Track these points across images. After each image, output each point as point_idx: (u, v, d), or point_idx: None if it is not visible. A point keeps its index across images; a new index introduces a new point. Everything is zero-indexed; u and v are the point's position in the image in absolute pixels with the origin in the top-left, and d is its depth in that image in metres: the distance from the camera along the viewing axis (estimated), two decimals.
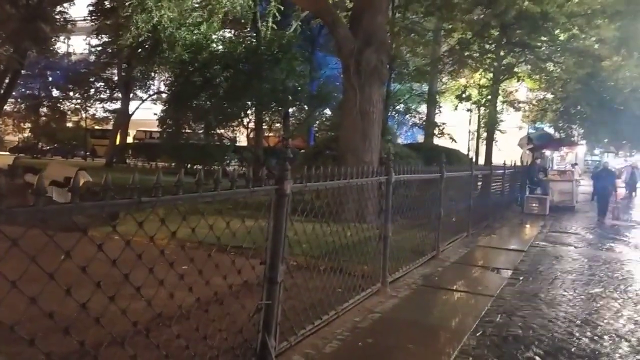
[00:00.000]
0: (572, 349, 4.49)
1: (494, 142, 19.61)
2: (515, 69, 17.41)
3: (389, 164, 6.07)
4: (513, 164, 16.14)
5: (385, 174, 5.96)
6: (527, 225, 13.07)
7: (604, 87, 18.51)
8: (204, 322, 3.27)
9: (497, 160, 17.89)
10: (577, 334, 4.88)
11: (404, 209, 6.74)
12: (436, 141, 19.02)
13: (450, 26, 14.84)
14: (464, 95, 18.15)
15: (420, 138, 23.56)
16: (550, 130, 24.93)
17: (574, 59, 14.86)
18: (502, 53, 16.43)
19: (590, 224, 14.14)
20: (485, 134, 21.71)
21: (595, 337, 4.82)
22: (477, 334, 4.80)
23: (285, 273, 3.90)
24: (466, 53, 15.30)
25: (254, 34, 19.59)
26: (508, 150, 24.12)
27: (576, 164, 26.52)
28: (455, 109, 19.64)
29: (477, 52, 15.83)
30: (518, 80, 18.99)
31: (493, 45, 15.94)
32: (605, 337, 4.86)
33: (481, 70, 17.58)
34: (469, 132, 31.16)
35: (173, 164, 19.74)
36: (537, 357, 4.29)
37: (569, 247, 10.02)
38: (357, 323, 4.96)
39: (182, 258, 3.00)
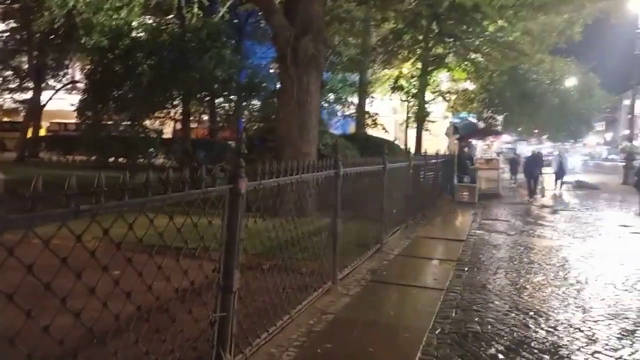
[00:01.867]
0: (532, 343, 4.44)
1: (426, 131, 19.89)
2: (446, 60, 17.70)
3: (337, 156, 5.80)
4: (445, 153, 16.44)
5: (334, 167, 5.69)
6: (461, 214, 13.30)
7: (526, 79, 19.28)
8: (149, 335, 2.85)
9: (423, 149, 18.26)
10: (533, 327, 4.85)
11: (349, 203, 6.51)
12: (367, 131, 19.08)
13: (381, 16, 14.77)
14: (396, 85, 18.27)
15: (351, 129, 23.61)
16: (474, 120, 25.82)
17: (500, 51, 15.30)
18: (430, 44, 16.61)
19: (517, 210, 14.63)
20: (410, 124, 22.09)
21: (550, 329, 4.81)
22: (436, 332, 4.65)
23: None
24: (398, 42, 15.31)
25: (179, 21, 18.67)
26: (433, 139, 24.71)
27: (500, 152, 27.58)
28: (390, 98, 19.74)
29: (409, 42, 15.91)
30: (448, 71, 19.36)
31: (425, 36, 16.07)
32: (560, 328, 4.86)
33: (412, 60, 17.73)
34: (395, 122, 31.69)
35: (93, 158, 18.53)
36: (500, 355, 4.19)
37: (504, 234, 10.24)
38: (312, 326, 4.68)
39: (120, 262, 2.57)
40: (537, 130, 28.86)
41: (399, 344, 4.42)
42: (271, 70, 23.50)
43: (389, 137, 20.09)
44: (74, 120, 23.05)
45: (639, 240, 10.21)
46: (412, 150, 19.64)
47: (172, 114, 17.76)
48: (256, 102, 22.28)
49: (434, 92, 21.27)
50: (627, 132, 40.32)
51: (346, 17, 15.04)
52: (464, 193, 16.13)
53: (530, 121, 23.62)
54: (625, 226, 11.97)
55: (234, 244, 3.42)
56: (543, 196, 18.37)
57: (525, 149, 39.40)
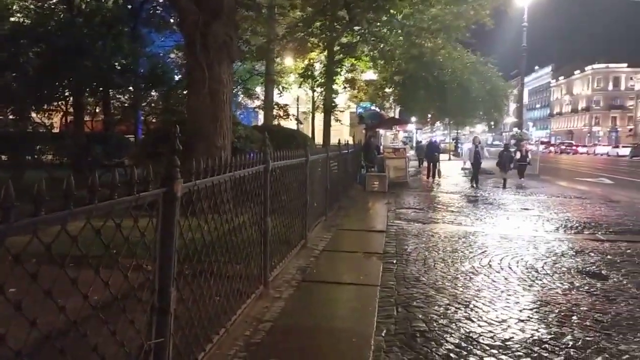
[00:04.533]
0: (480, 338, 4.32)
1: (337, 122, 19.82)
2: (356, 49, 17.68)
3: (266, 150, 5.38)
4: (352, 143, 16.43)
5: (262, 161, 5.26)
6: (375, 204, 13.32)
7: (431, 68, 19.81)
8: None
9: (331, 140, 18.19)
10: (477, 321, 4.76)
11: (276, 198, 6.11)
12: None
13: (290, 3, 14.38)
14: (307, 74, 18.01)
15: (258, 121, 23.08)
16: (378, 110, 26.26)
17: (409, 39, 15.50)
18: (339, 32, 16.47)
19: (427, 198, 14.96)
20: (317, 114, 21.99)
21: (494, 322, 4.74)
22: (383, 334, 4.41)
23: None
24: (308, 30, 15.00)
25: (65, 5, 17.06)
26: (338, 129, 24.82)
27: (406, 142, 28.32)
28: (301, 87, 19.41)
29: (319, 29, 15.66)
30: (357, 60, 19.37)
31: (331, 23, 15.90)
32: (501, 319, 4.81)
33: (322, 48, 17.52)
34: (300, 112, 31.53)
35: None
36: (452, 355, 4.02)
37: (421, 223, 10.31)
38: (249, 338, 4.27)
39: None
40: (444, 118, 30.07)
41: (346, 350, 4.12)
42: (171, 59, 22.35)
43: (298, 127, 19.85)
44: None
45: (539, 222, 10.70)
46: (320, 141, 19.54)
47: (63, 107, 16.22)
48: (156, 93, 21.05)
49: (343, 82, 21.30)
50: (515, 120, 43.21)
51: (252, 3, 14.47)
52: (375, 183, 16.25)
53: (435, 109, 24.46)
54: (526, 209, 12.59)
55: (169, 257, 2.92)
56: (440, 177, 20.98)
57: (425, 137, 40.99)
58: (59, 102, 15.93)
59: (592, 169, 35.29)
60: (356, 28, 16.07)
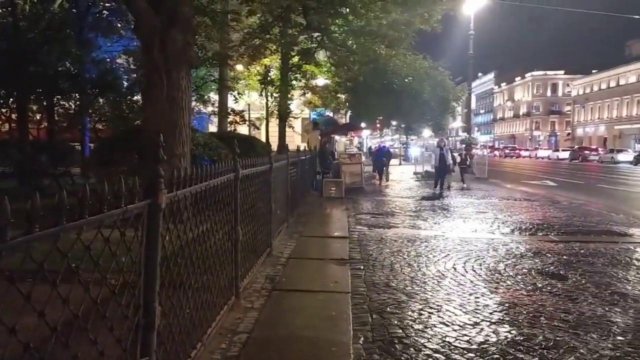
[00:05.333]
0: (457, 343, 4.38)
1: (290, 128, 19.77)
2: (314, 55, 17.68)
3: (235, 157, 5.28)
4: (307, 149, 16.42)
5: (232, 169, 5.17)
6: (334, 210, 13.34)
7: (384, 74, 20.06)
8: None
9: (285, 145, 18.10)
10: (451, 325, 4.82)
11: (245, 206, 6.02)
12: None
13: (248, 8, 14.22)
14: (266, 80, 17.90)
15: (212, 127, 22.76)
16: (331, 115, 26.41)
17: (364, 44, 15.63)
18: (297, 38, 16.43)
19: (383, 204, 15.10)
20: (272, 120, 21.86)
21: (468, 325, 4.81)
22: (361, 342, 4.40)
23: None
24: (267, 36, 14.90)
25: (9, 8, 16.31)
26: (292, 135, 24.78)
27: (359, 147, 28.57)
28: (260, 94, 19.26)
29: (276, 36, 15.57)
30: (316, 66, 19.40)
31: (292, 30, 15.85)
32: (473, 322, 4.89)
33: (279, 54, 17.44)
34: (249, 117, 31.25)
35: None
36: None
37: (383, 228, 10.39)
38: (226, 352, 4.17)
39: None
40: (392, 124, 30.62)
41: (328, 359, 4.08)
42: (119, 65, 21.72)
43: (255, 134, 19.69)
44: None
45: (495, 224, 10.99)
46: (274, 147, 19.42)
47: (6, 113, 15.48)
48: (104, 100, 20.39)
49: (300, 88, 21.29)
50: (460, 124, 44.38)
51: (207, 9, 14.23)
52: (332, 188, 16.29)
53: (386, 114, 24.83)
54: (480, 212, 12.92)
55: (154, 271, 2.81)
56: (387, 181, 22.35)
57: (375, 142, 41.52)
58: (2, 109, 15.18)
59: (536, 171, 36.67)
60: (314, 34, 16.11)
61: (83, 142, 20.48)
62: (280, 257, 7.55)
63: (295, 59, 17.68)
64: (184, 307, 3.58)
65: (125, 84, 17.87)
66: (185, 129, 9.22)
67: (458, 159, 21.71)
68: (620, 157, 51.57)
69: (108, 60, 21.47)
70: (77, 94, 17.97)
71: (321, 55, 19.61)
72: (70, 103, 20.21)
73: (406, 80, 23.44)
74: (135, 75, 17.29)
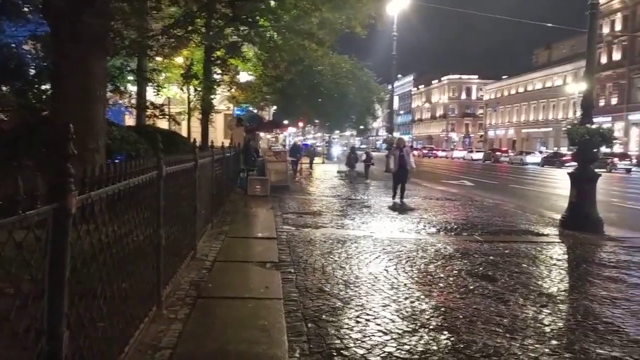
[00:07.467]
0: (398, 353, 4.16)
1: (211, 124, 19.05)
2: (241, 49, 17.08)
3: (158, 154, 4.78)
4: (230, 146, 15.87)
5: (155, 167, 4.67)
6: (260, 209, 12.92)
7: (312, 74, 19.84)
8: None
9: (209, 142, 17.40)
10: (389, 333, 4.60)
11: (169, 207, 5.51)
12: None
13: None
14: (190, 74, 17.12)
15: (130, 121, 21.57)
16: (255, 111, 25.89)
17: (294, 40, 15.28)
18: (223, 30, 15.78)
19: (309, 203, 14.87)
20: (194, 116, 21.03)
21: (407, 333, 4.62)
22: (297, 354, 4.07)
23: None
24: (189, 28, 14.15)
25: None
26: (214, 131, 24.04)
27: (284, 144, 28.28)
28: (182, 88, 18.39)
29: (200, 27, 14.84)
30: (243, 61, 18.78)
31: (218, 21, 15.18)
32: (413, 329, 4.71)
33: (203, 47, 16.70)
34: (169, 111, 30.05)
35: None
36: None
37: (311, 228, 10.12)
38: None
39: None
40: (317, 121, 30.64)
41: None
42: (25, 51, 20.03)
43: (176, 129, 18.83)
44: None
45: (421, 224, 11.06)
46: (198, 143, 18.65)
47: None
48: (7, 88, 18.73)
49: (226, 83, 20.61)
50: (381, 124, 45.21)
51: None
52: (257, 187, 15.86)
53: (312, 113, 24.71)
54: (406, 212, 12.99)
55: (61, 289, 2.34)
56: (301, 174, 24.31)
57: (298, 140, 41.44)
58: None
59: (453, 172, 38.02)
60: (241, 28, 15.56)
61: None
62: (205, 261, 7.08)
63: (220, 52, 17.03)
64: (97, 325, 3.10)
65: (33, 71, 16.44)
66: (100, 122, 8.47)
67: (364, 157, 24.89)
68: (529, 159, 54.69)
69: (13, 45, 19.74)
70: None
71: (251, 53, 19.11)
72: None
73: (333, 79, 23.42)
74: (44, 63, 15.94)
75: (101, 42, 8.32)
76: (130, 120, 23.16)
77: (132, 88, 18.14)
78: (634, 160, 43.95)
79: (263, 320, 4.84)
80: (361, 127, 40.20)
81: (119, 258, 3.65)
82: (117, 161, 4.55)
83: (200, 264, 6.84)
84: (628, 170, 40.73)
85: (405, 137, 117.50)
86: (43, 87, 15.29)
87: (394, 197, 15.23)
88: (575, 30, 46.05)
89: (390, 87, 34.16)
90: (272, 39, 16.04)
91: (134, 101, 17.37)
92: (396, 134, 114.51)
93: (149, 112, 17.30)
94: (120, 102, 19.95)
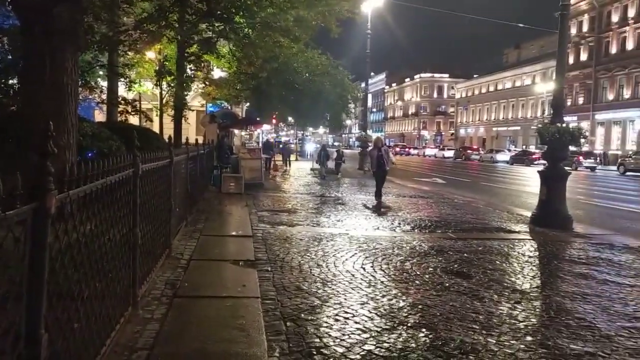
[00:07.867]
0: (378, 351, 4.18)
1: (185, 120, 18.78)
2: (215, 45, 16.86)
3: (135, 151, 4.70)
4: (204, 143, 15.70)
5: (132, 164, 4.59)
6: (234, 206, 12.83)
7: (286, 72, 19.72)
8: None
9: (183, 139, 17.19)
10: (369, 331, 4.62)
11: (144, 205, 5.42)
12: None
13: None
14: (164, 70, 16.84)
15: (100, 117, 21.13)
16: (229, 108, 25.68)
17: (271, 37, 15.18)
18: (197, 26, 15.56)
19: (284, 200, 14.85)
20: (166, 112, 20.73)
21: (386, 331, 4.65)
22: (277, 353, 4.06)
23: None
24: (162, 23, 13.91)
25: None
26: (186, 126, 23.74)
27: (257, 141, 28.16)
28: (156, 85, 18.09)
29: (175, 22, 14.61)
30: (218, 57, 18.56)
31: (191, 17, 14.96)
32: (393, 328, 4.75)
33: (176, 43, 16.44)
34: (140, 107, 29.57)
35: None
36: None
37: (286, 226, 10.09)
38: None
39: None
40: (291, 118, 30.64)
41: None
42: None
43: (148, 126, 18.51)
44: None
45: (395, 222, 11.15)
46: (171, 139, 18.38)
47: None
48: None
49: (200, 80, 20.36)
50: (355, 122, 45.45)
51: None
52: (231, 184, 15.75)
53: (286, 110, 24.67)
54: (380, 209, 13.07)
55: (40, 292, 2.28)
56: (275, 170, 25.49)
57: (271, 137, 41.36)
58: None
59: (425, 169, 38.44)
60: (216, 24, 15.36)
61: None
62: (180, 259, 7.00)
63: (194, 48, 16.80)
64: (73, 327, 3.03)
65: None
66: (71, 118, 8.26)
67: (335, 155, 25.90)
68: (499, 157, 55.65)
69: None
70: None
71: (225, 49, 18.88)
72: None
73: (307, 77, 23.44)
74: (10, 57, 15.48)
75: (73, 37, 8.11)
76: (100, 116, 22.71)
77: (103, 83, 17.76)
78: (598, 159, 45.10)
79: (241, 319, 4.80)
80: (335, 125, 40.27)
81: (96, 258, 3.58)
82: (88, 158, 4.47)
83: (175, 263, 6.76)
84: (592, 169, 41.82)
85: (378, 135, 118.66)
86: (10, 81, 14.87)
87: (378, 196, 14.77)
88: (545, 30, 47.05)
89: (363, 85, 34.42)
90: (247, 35, 15.90)
91: (104, 96, 16.98)
92: (369, 132, 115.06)
93: (120, 108, 16.97)
94: (90, 97, 19.54)
